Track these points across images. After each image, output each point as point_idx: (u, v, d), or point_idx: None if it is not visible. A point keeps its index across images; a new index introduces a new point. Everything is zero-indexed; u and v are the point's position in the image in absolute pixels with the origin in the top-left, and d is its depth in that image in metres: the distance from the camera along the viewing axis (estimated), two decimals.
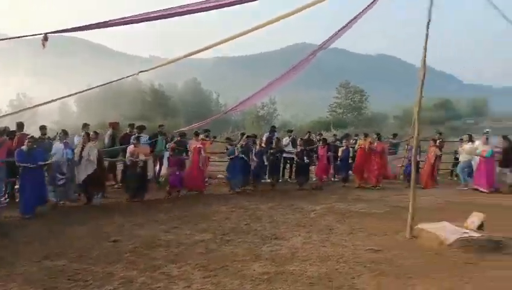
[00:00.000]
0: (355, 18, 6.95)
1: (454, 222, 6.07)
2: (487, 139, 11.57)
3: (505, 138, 11.96)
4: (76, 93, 7.87)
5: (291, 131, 14.32)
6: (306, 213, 7.94)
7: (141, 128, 11.42)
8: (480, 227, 5.79)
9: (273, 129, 13.35)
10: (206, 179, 10.72)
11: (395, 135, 15.46)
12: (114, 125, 11.37)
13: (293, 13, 5.94)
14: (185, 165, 9.97)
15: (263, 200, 9.34)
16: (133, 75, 6.71)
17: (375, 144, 11.98)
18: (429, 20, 5.74)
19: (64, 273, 4.53)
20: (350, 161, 12.15)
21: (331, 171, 12.98)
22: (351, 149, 12.13)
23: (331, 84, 60.99)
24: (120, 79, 7.18)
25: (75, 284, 4.25)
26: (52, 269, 4.69)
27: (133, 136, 9.59)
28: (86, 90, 7.31)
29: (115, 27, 5.47)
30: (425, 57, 5.85)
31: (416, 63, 5.98)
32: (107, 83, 7.57)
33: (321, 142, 12.17)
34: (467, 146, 11.81)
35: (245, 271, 4.61)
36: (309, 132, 13.94)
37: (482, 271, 4.61)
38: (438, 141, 12.45)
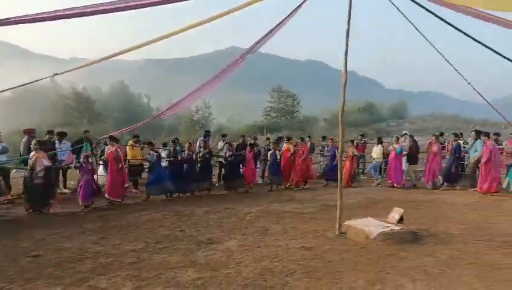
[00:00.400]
0: (280, 24, 7.19)
1: (377, 217, 6.53)
2: (398, 139, 12.87)
3: (411, 136, 13.31)
4: None
5: (225, 135, 14.37)
6: (242, 216, 7.98)
7: (62, 135, 10.73)
8: (400, 221, 6.28)
9: (207, 134, 13.28)
10: (126, 185, 10.12)
11: (324, 138, 16.21)
12: (30, 132, 10.48)
13: (217, 17, 5.97)
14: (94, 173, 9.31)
15: (199, 205, 9.22)
16: (47, 77, 6.22)
17: (299, 146, 12.56)
18: (348, 29, 6.14)
19: None
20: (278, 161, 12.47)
21: (266, 174, 13.25)
22: (277, 152, 12.48)
23: (260, 88, 62.07)
24: (33, 82, 6.61)
25: None
26: None
27: (34, 140, 8.75)
28: None
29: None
30: (346, 63, 6.22)
31: (342, 69, 6.34)
32: (18, 86, 6.89)
33: (248, 146, 12.29)
34: (376, 148, 13.12)
35: (179, 278, 4.50)
36: (243, 136, 14.06)
37: (402, 261, 4.98)
38: (355, 142, 13.81)
